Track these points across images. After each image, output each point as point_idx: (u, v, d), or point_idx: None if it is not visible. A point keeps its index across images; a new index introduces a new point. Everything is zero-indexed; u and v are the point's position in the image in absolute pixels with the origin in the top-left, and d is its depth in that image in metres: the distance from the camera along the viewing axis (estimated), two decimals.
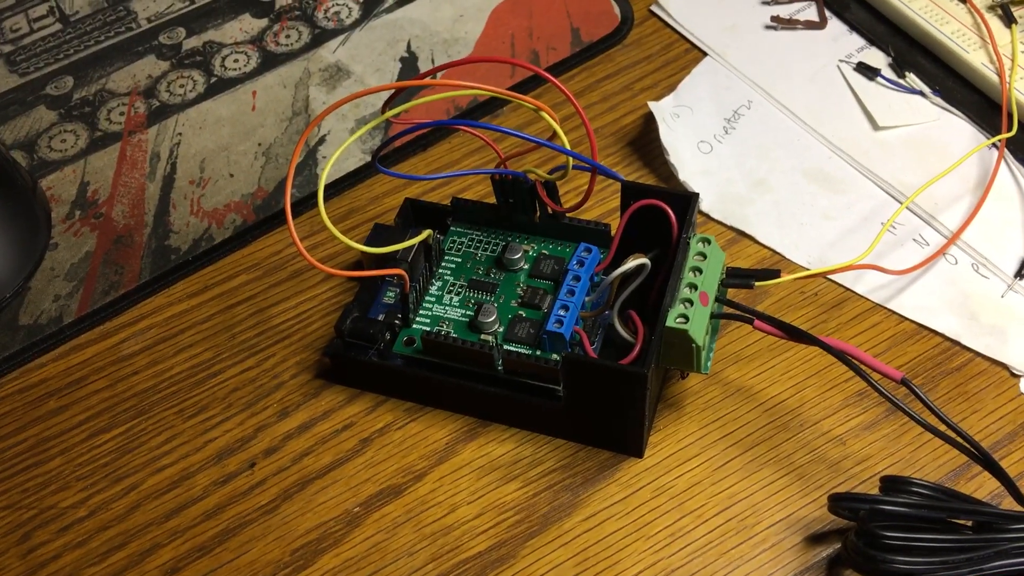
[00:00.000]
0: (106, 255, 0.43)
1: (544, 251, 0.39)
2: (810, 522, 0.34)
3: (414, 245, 0.37)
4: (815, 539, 0.34)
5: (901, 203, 0.42)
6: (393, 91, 0.34)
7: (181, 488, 0.36)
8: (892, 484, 0.32)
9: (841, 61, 0.47)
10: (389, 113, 0.34)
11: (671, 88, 0.47)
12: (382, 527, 0.35)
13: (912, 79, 0.46)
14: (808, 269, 0.40)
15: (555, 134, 0.34)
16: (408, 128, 0.35)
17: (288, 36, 0.51)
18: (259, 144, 0.47)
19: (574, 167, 0.35)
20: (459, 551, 0.35)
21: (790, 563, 0.34)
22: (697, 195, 0.36)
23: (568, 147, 0.34)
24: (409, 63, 0.49)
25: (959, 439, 0.32)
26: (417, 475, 0.36)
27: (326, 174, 0.34)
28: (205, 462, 0.37)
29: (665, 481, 0.36)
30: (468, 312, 0.37)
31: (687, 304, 0.33)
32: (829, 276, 0.40)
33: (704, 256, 0.35)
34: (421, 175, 0.43)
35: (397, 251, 0.37)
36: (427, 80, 0.33)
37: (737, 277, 0.36)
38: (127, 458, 0.37)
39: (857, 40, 0.48)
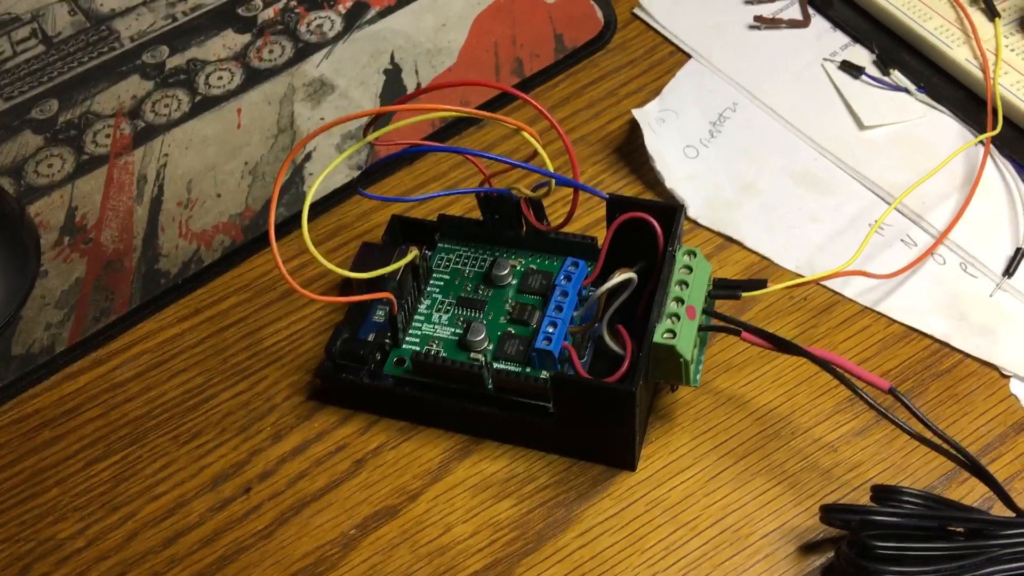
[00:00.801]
0: (96, 281, 0.43)
1: (532, 266, 0.39)
2: (803, 531, 0.35)
3: (400, 267, 0.37)
4: (809, 548, 0.34)
5: (888, 203, 0.42)
6: (375, 115, 0.34)
7: (178, 515, 0.37)
8: (883, 493, 0.32)
9: (825, 60, 0.47)
10: (370, 137, 0.34)
11: (656, 92, 0.47)
12: (378, 549, 0.35)
13: (897, 76, 0.46)
14: (797, 274, 0.40)
15: (536, 152, 0.34)
16: (394, 154, 0.35)
17: (271, 51, 0.51)
18: (245, 163, 0.47)
19: (557, 183, 0.35)
20: (456, 571, 0.35)
21: (784, 573, 0.34)
22: (683, 207, 0.36)
23: (550, 166, 0.34)
24: (393, 75, 0.49)
25: (947, 447, 0.32)
26: (412, 495, 0.36)
27: (310, 199, 0.34)
28: (201, 488, 0.37)
29: (658, 494, 0.36)
30: (457, 330, 0.37)
31: (674, 319, 0.33)
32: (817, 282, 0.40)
33: (690, 269, 0.35)
34: (405, 197, 0.43)
35: (383, 274, 0.37)
36: (408, 106, 0.33)
37: (724, 288, 0.36)
38: (123, 487, 0.37)
39: (841, 38, 0.48)
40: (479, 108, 0.40)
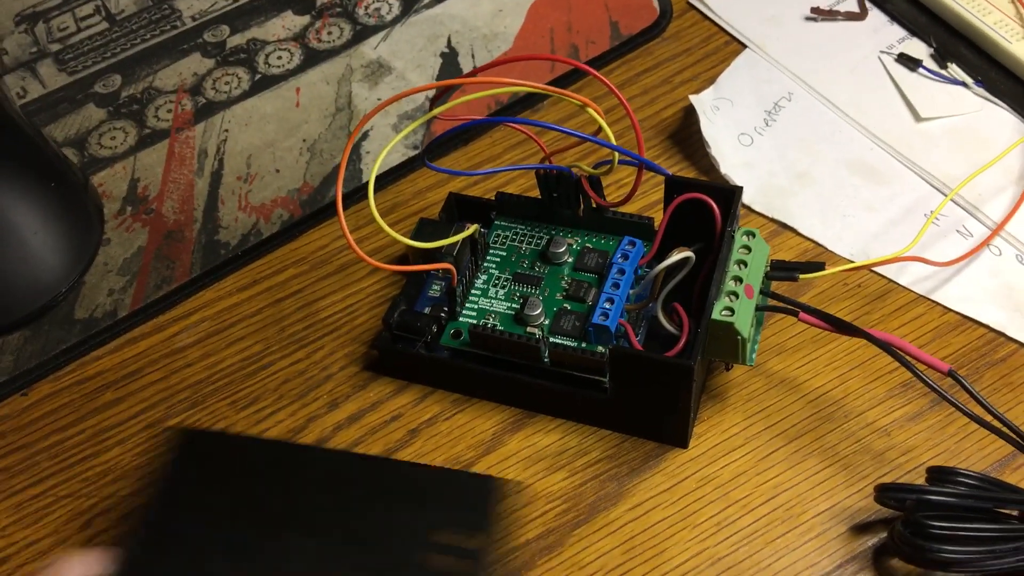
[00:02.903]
0: (157, 250, 0.44)
1: (588, 244, 0.39)
2: (856, 512, 0.35)
3: (460, 240, 0.37)
4: (861, 528, 0.34)
5: (944, 194, 0.42)
6: (442, 89, 0.35)
7: None
8: (938, 474, 0.33)
9: (882, 52, 0.47)
10: (437, 110, 0.35)
11: (711, 81, 0.47)
12: None
13: (954, 70, 0.46)
14: (851, 261, 0.41)
15: (600, 128, 0.34)
16: (458, 126, 0.35)
17: (330, 33, 0.52)
18: (303, 140, 0.48)
19: (620, 162, 0.36)
20: (509, 539, 0.35)
21: (836, 552, 0.34)
22: (741, 188, 0.36)
23: (614, 142, 0.34)
24: (449, 58, 0.50)
25: (1005, 429, 0.32)
26: (465, 465, 0.37)
27: (376, 170, 0.35)
28: None
29: (710, 471, 0.36)
30: (514, 305, 0.38)
31: (732, 297, 0.34)
32: (873, 268, 0.40)
33: (749, 249, 0.35)
34: (468, 171, 0.44)
35: (443, 246, 0.37)
36: (477, 79, 0.33)
37: (781, 270, 0.36)
38: None
39: (898, 31, 0.48)
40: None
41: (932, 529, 0.31)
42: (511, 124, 0.39)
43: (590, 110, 0.34)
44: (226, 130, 0.48)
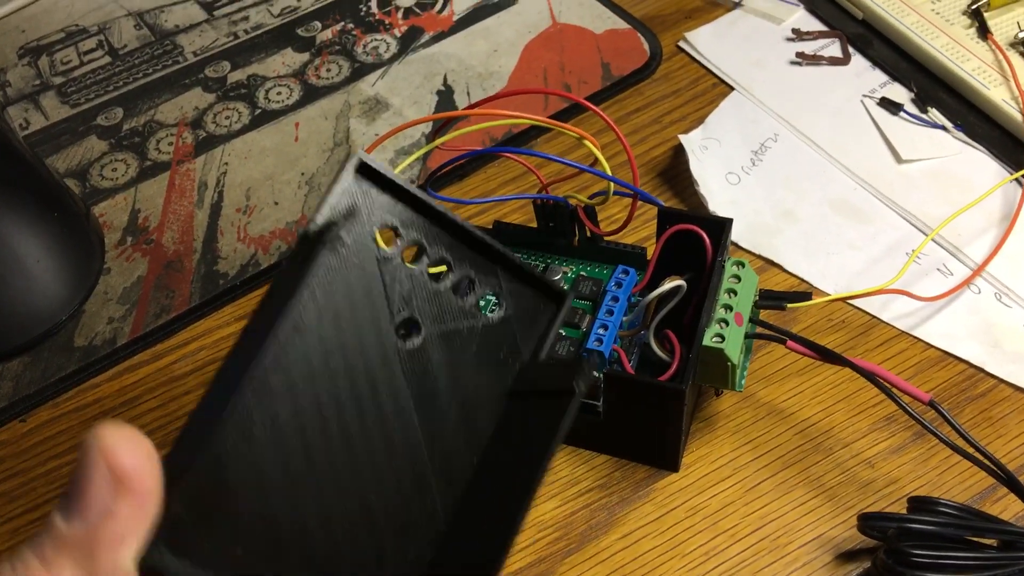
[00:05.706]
0: (157, 280, 0.45)
1: (583, 273, 0.40)
2: (840, 541, 0.36)
3: None
4: (845, 557, 0.35)
5: (925, 234, 0.43)
6: (443, 122, 0.36)
7: None
8: (920, 504, 0.33)
9: (865, 96, 0.49)
10: (437, 141, 0.36)
11: (699, 121, 0.48)
12: None
13: (934, 114, 0.47)
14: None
15: (596, 160, 0.36)
16: (458, 156, 0.36)
17: (328, 70, 0.53)
18: (302, 173, 0.49)
19: (615, 192, 0.37)
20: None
21: None
22: (731, 220, 0.37)
23: (609, 172, 0.36)
24: (445, 96, 0.51)
25: (985, 460, 0.33)
26: None
27: None
28: None
29: (699, 501, 0.37)
30: None
31: (723, 324, 0.35)
32: (857, 304, 0.41)
33: (739, 279, 0.36)
34: (469, 199, 0.45)
35: None
36: (476, 110, 0.34)
37: (770, 299, 0.37)
38: None
39: (880, 76, 0.49)
40: (537, 125, 0.42)
41: (913, 557, 0.32)
42: (511, 155, 0.40)
43: (587, 142, 0.35)
44: (226, 163, 0.49)
